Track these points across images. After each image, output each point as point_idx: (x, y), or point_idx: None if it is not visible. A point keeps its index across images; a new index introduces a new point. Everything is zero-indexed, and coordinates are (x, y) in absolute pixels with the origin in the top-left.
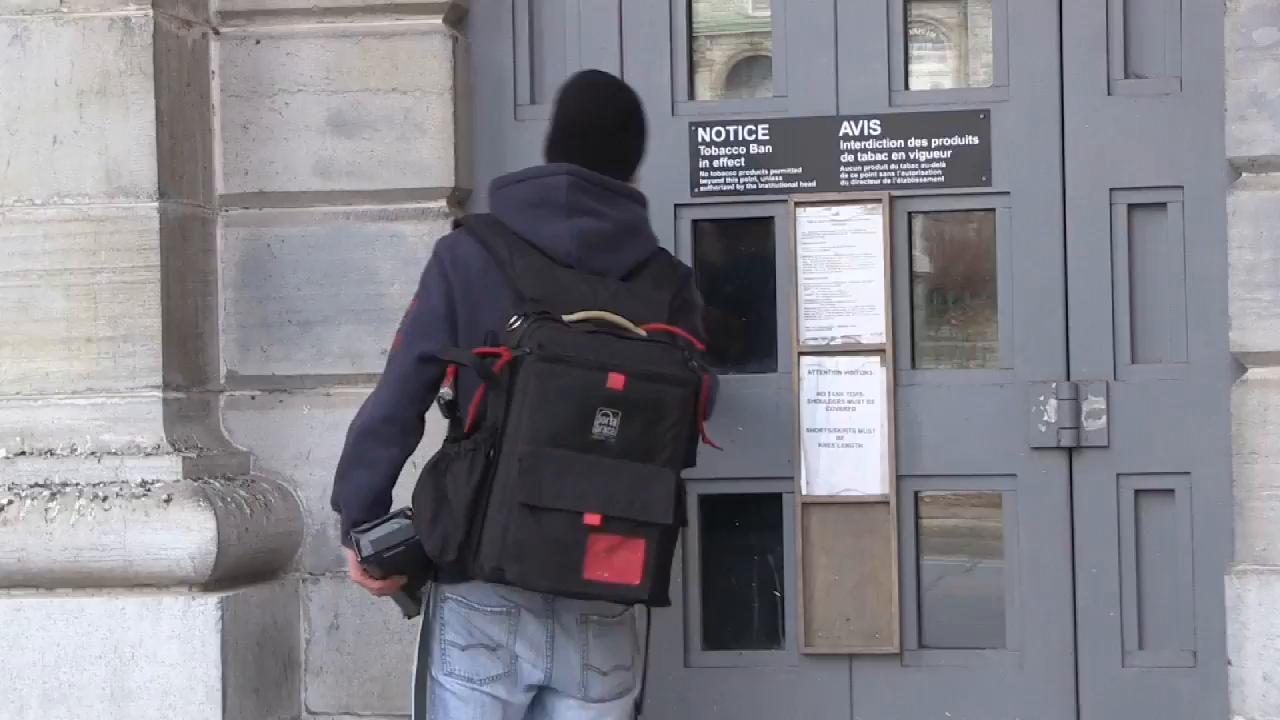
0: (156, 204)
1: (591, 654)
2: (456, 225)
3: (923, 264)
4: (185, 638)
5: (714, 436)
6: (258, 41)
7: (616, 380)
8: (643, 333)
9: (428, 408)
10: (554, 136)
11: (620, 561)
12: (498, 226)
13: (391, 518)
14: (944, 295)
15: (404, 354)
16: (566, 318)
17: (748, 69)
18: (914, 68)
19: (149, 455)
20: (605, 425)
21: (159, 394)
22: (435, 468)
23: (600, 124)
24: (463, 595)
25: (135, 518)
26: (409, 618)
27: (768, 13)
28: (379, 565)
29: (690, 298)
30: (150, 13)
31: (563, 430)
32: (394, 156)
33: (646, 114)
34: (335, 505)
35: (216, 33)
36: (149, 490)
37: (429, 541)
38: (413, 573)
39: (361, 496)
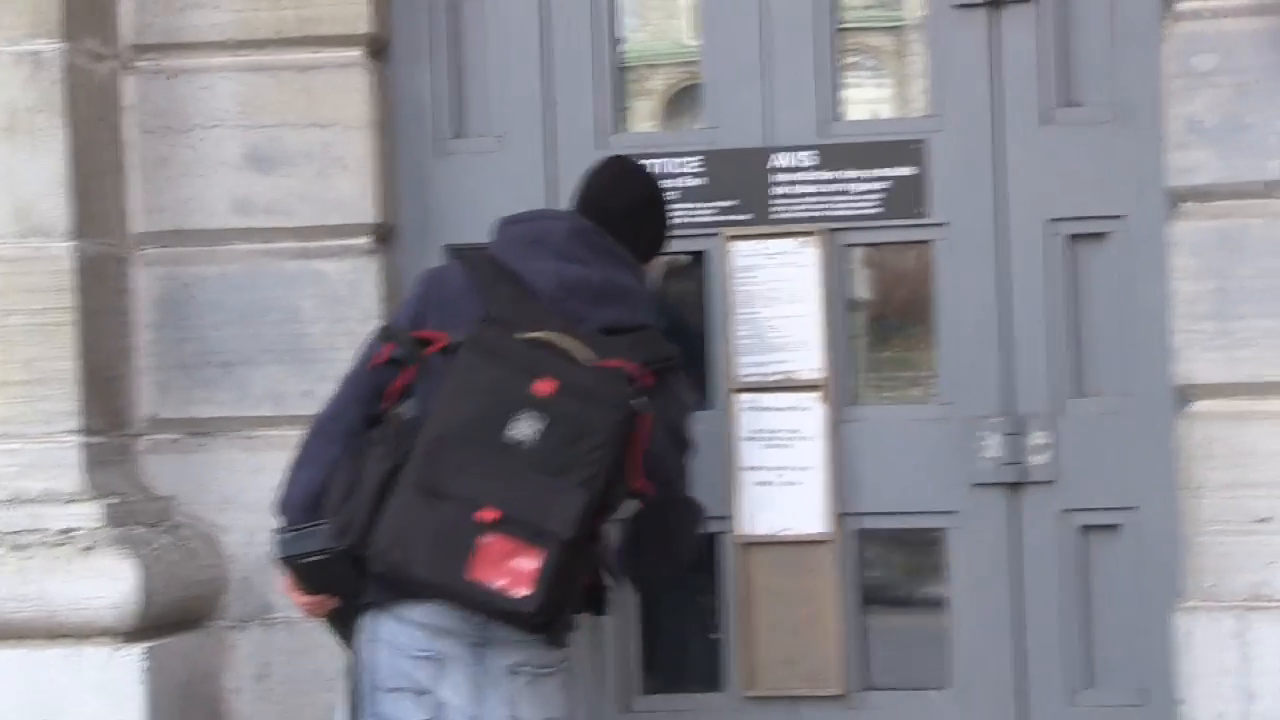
0: (70, 243)
1: (521, 706)
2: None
3: (860, 297)
4: (109, 689)
5: None
6: (171, 76)
7: (545, 386)
8: (590, 364)
9: (376, 412)
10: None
11: (513, 569)
12: (488, 258)
13: (321, 524)
14: (882, 329)
15: (358, 354)
16: (519, 335)
17: (689, 98)
18: (851, 95)
19: (68, 502)
20: (523, 429)
21: (77, 439)
22: (357, 453)
23: (609, 207)
24: (389, 637)
25: (56, 566)
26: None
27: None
28: (301, 576)
29: (673, 387)
30: (61, 46)
31: (476, 423)
32: (314, 192)
33: (665, 208)
34: (278, 508)
35: (129, 67)
36: (70, 538)
37: (333, 525)
38: (343, 594)
39: (300, 494)
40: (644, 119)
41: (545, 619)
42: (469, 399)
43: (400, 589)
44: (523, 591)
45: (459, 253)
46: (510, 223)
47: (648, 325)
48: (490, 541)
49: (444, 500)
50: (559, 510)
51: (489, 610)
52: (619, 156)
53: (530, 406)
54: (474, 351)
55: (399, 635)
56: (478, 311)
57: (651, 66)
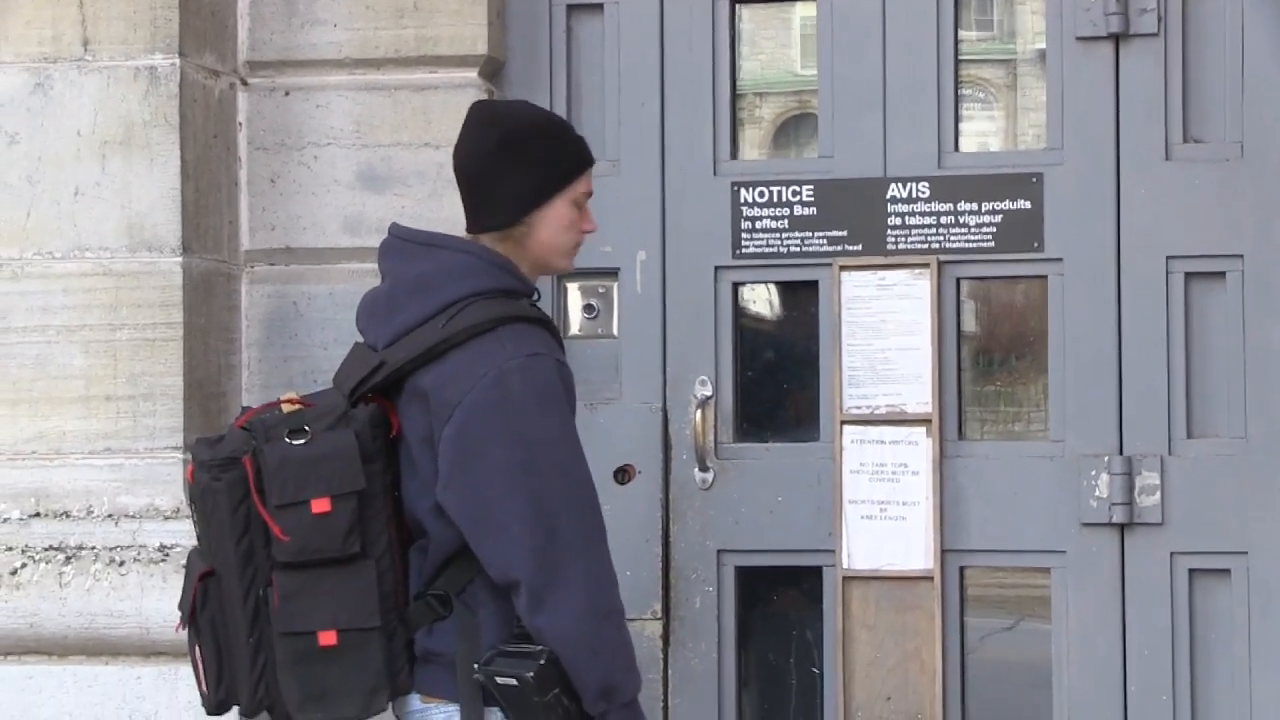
0: (180, 259)
1: None
2: None
3: (971, 332)
4: (202, 709)
5: (752, 507)
6: (286, 93)
7: (190, 474)
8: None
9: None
10: None
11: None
12: None
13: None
14: (993, 364)
15: None
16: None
17: (796, 127)
18: (965, 127)
19: (168, 519)
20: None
21: (179, 455)
22: None
23: (465, 165)
24: None
25: (153, 583)
26: None
27: (815, 71)
28: None
29: (443, 392)
30: (177, 62)
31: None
32: (426, 213)
33: (530, 143)
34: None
35: (244, 83)
36: (167, 555)
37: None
38: None
39: None
40: (752, 147)
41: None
42: None
43: None
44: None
45: None
46: None
47: (473, 297)
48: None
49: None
50: (185, 593)
51: None
52: (477, 103)
53: (189, 500)
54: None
55: None
56: None
57: (761, 95)
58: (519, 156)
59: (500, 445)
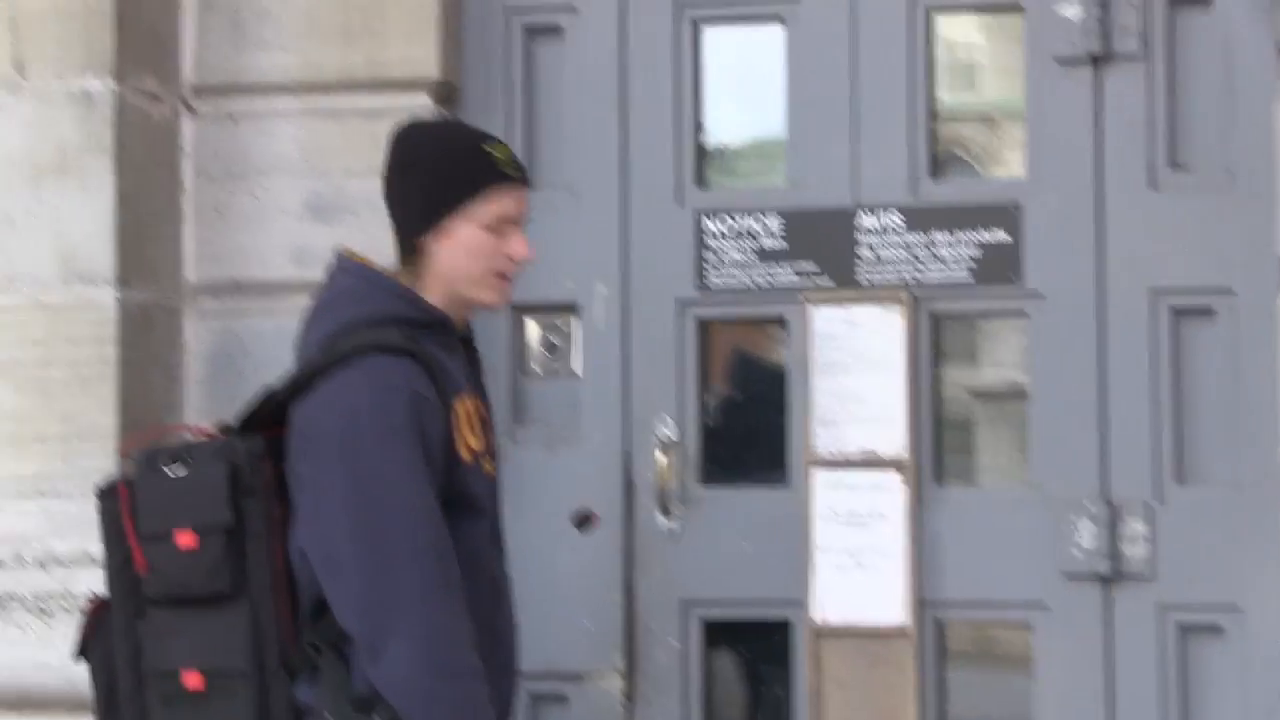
0: (116, 292)
1: None
2: None
3: (948, 369)
4: None
5: (718, 555)
6: (233, 119)
7: None
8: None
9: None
10: None
11: None
12: None
13: None
14: (971, 404)
15: None
16: None
17: None
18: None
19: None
20: None
21: None
22: None
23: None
24: None
25: None
26: None
27: None
28: None
29: (302, 425)
30: (114, 86)
31: None
32: (378, 245)
33: (420, 162)
34: None
35: (189, 109)
36: None
37: None
38: None
39: None
40: None
41: None
42: None
43: None
44: None
45: None
46: None
47: (345, 326)
48: None
49: None
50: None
51: None
52: (400, 123)
53: None
54: None
55: None
56: None
57: None
58: (409, 177)
59: (342, 485)
